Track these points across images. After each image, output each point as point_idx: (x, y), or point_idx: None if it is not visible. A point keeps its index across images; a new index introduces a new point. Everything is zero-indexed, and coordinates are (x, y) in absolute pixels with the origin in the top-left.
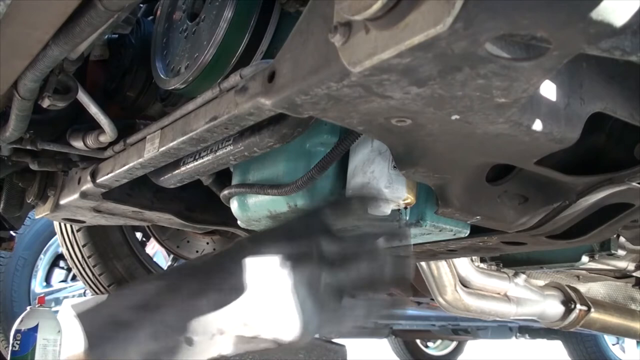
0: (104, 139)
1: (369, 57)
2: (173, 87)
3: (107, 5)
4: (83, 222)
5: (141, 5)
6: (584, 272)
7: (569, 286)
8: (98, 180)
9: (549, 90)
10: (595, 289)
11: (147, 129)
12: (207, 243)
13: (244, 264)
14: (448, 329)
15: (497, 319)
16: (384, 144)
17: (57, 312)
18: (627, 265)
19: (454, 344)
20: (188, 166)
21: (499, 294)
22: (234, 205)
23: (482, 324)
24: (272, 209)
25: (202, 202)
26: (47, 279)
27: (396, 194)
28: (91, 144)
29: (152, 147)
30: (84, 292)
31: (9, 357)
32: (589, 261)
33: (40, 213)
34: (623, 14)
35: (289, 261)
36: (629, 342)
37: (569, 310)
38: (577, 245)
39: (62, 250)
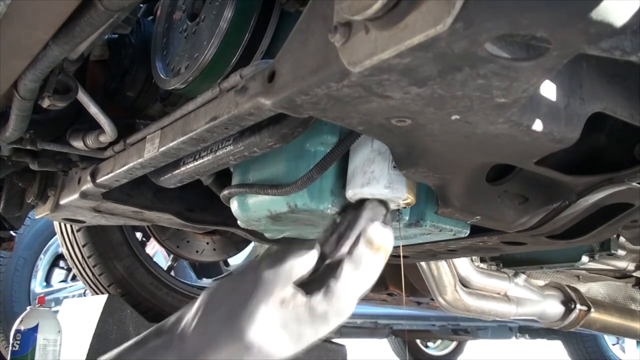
0: (104, 139)
1: (369, 57)
2: (173, 87)
3: (107, 5)
4: (83, 222)
5: (141, 5)
6: (584, 272)
7: (569, 286)
8: (98, 180)
9: (549, 90)
10: (595, 289)
11: (147, 129)
12: (207, 243)
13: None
14: (448, 329)
15: (497, 319)
16: (384, 144)
17: (57, 312)
18: (627, 265)
19: (454, 344)
20: (188, 166)
21: (499, 294)
22: (234, 205)
23: (482, 324)
24: (272, 209)
25: (202, 202)
26: (47, 279)
27: (396, 194)
28: (91, 144)
29: (152, 147)
30: (84, 292)
31: (9, 357)
32: (589, 261)
33: (40, 213)
34: (623, 14)
35: None
36: (629, 342)
37: (569, 310)
38: (577, 245)
39: (62, 250)
